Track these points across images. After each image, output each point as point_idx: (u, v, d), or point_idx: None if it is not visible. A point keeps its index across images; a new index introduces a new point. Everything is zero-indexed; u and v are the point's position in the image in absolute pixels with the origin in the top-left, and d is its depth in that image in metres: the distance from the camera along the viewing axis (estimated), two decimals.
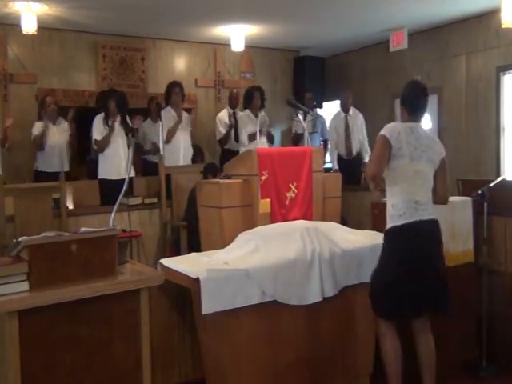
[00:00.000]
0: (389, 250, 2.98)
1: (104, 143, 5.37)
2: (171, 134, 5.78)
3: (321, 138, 7.28)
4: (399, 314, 2.98)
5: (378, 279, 3.00)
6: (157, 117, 6.08)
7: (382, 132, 2.97)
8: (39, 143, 5.95)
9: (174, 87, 5.91)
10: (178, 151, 5.83)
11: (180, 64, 7.77)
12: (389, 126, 3.01)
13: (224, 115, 6.79)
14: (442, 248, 3.09)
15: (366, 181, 3.15)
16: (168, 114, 5.85)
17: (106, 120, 5.38)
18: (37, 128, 6.00)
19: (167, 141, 5.74)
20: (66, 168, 6.00)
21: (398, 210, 2.93)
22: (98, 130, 5.40)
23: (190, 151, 6.07)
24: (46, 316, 2.15)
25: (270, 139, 6.36)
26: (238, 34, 6.99)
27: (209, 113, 7.77)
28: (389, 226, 2.98)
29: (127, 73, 7.29)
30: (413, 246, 2.93)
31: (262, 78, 8.22)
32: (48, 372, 2.17)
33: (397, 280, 2.91)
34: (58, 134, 6.06)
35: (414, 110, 3.04)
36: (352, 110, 6.79)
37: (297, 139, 6.99)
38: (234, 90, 7.02)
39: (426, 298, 2.97)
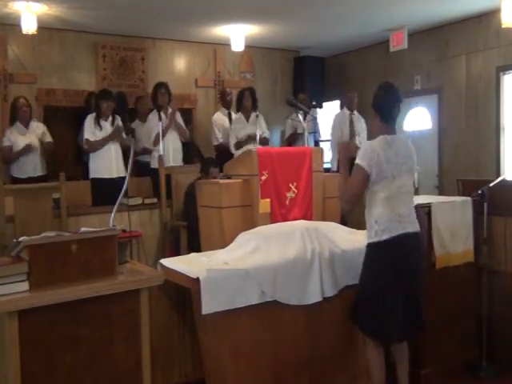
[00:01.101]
0: (374, 265, 2.91)
1: (97, 146, 5.35)
2: (157, 139, 5.65)
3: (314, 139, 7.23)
4: (386, 332, 2.89)
5: (364, 294, 2.94)
6: (146, 117, 6.05)
7: (360, 161, 2.85)
8: (8, 157, 5.67)
9: (160, 88, 5.85)
10: (168, 152, 5.74)
11: (180, 64, 7.77)
12: (367, 148, 2.89)
13: (220, 118, 6.71)
14: (422, 261, 3.06)
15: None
16: (153, 117, 5.79)
17: (97, 120, 5.36)
18: (7, 138, 5.68)
19: (154, 144, 5.71)
20: (40, 172, 5.75)
21: (381, 224, 2.87)
22: (89, 130, 5.35)
23: (180, 151, 5.94)
24: (46, 316, 2.15)
25: (264, 143, 6.28)
26: (238, 34, 6.99)
27: (208, 113, 7.74)
28: (372, 240, 2.90)
29: (127, 73, 7.29)
30: (399, 258, 2.87)
31: (261, 77, 8.22)
32: (48, 372, 2.16)
33: (382, 294, 2.86)
34: (30, 138, 5.74)
35: (387, 118, 2.92)
36: (356, 112, 6.78)
37: (292, 139, 6.96)
38: (227, 89, 6.97)
39: (410, 314, 2.91)
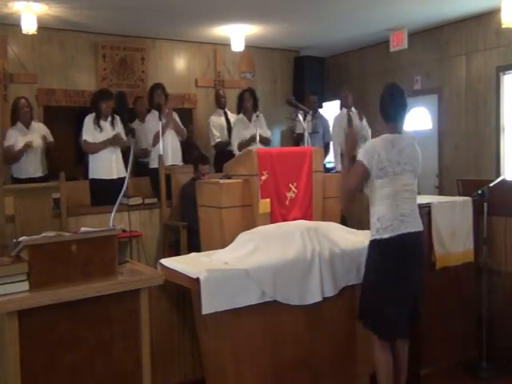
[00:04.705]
0: (376, 263, 2.94)
1: (95, 149, 5.32)
2: (157, 138, 5.67)
3: (322, 143, 7.16)
4: (389, 328, 2.93)
5: (368, 293, 2.96)
6: (144, 117, 6.05)
7: (361, 158, 2.90)
8: (13, 156, 5.57)
9: (156, 89, 5.88)
10: (167, 152, 5.72)
11: (180, 64, 7.77)
12: (368, 147, 2.95)
13: (217, 118, 6.69)
14: (423, 259, 3.09)
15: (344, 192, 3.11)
16: (152, 117, 5.79)
17: (96, 120, 5.34)
18: (9, 138, 5.58)
19: (153, 145, 5.71)
20: (40, 173, 5.67)
21: (383, 222, 2.90)
22: (88, 131, 5.32)
23: (179, 150, 5.93)
24: (46, 316, 2.15)
25: (266, 144, 6.25)
26: (238, 34, 6.99)
27: (209, 113, 7.69)
28: (375, 237, 2.93)
29: (127, 73, 7.29)
30: (400, 257, 2.89)
31: (262, 77, 8.22)
32: (48, 372, 2.16)
33: (386, 291, 2.89)
34: (31, 139, 5.62)
35: (391, 118, 2.97)
36: (354, 109, 6.75)
37: (299, 139, 6.94)
38: (221, 91, 6.99)
39: (410, 311, 2.94)
